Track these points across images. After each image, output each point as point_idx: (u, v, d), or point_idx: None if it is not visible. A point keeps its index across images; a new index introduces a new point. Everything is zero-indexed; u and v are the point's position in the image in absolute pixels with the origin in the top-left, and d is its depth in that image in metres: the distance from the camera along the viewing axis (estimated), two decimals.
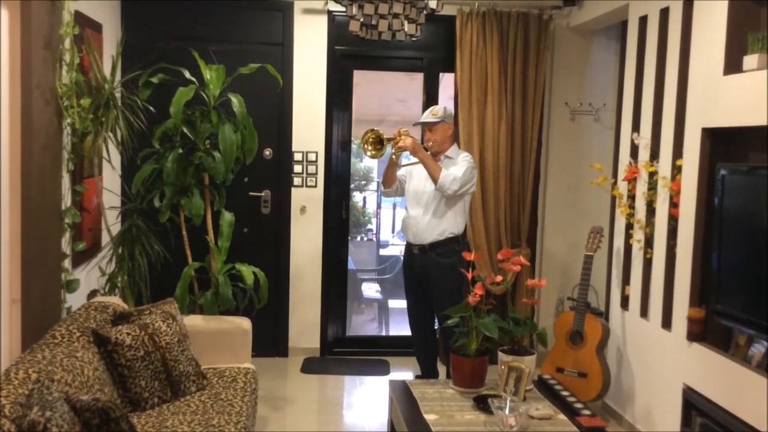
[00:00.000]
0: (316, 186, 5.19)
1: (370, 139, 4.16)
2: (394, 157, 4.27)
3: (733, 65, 3.18)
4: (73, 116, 3.40)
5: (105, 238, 4.09)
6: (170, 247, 4.17)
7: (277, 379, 4.83)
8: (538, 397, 3.30)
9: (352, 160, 5.85)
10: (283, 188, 5.18)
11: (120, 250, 3.90)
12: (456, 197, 4.18)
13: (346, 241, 5.53)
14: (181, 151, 4.05)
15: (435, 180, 4.11)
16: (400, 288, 4.64)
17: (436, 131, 4.28)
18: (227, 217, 4.20)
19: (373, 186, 8.42)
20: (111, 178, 4.29)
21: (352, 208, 7.06)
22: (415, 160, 4.22)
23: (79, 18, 3.69)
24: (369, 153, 4.17)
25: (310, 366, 5.12)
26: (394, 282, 6.84)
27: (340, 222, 5.40)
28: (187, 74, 4.17)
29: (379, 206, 8.46)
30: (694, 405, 3.37)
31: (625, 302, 4.22)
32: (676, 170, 3.65)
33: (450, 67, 5.18)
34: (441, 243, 4.23)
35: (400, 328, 6.11)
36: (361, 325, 6.70)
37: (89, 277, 3.93)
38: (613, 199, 4.47)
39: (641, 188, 4.03)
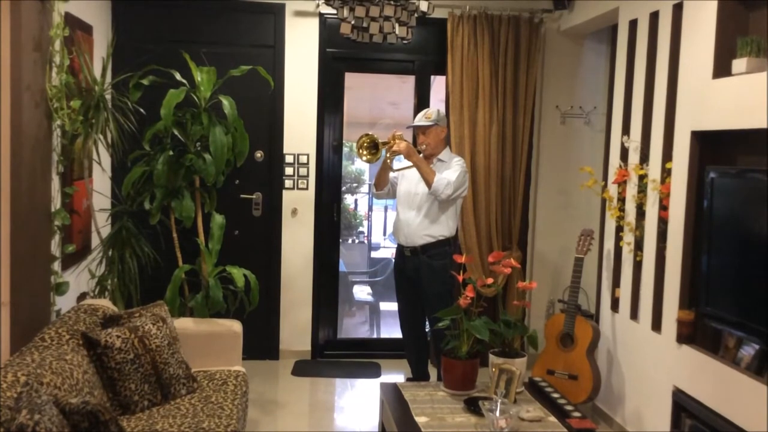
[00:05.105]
0: (307, 188, 5.19)
1: (365, 144, 4.16)
2: (388, 161, 4.27)
3: (722, 69, 3.21)
4: (63, 118, 3.39)
5: (95, 241, 4.07)
6: (160, 250, 4.16)
7: (267, 382, 4.82)
8: (528, 400, 3.30)
9: (344, 162, 5.85)
10: (274, 190, 5.17)
11: (110, 253, 3.88)
12: (449, 200, 4.18)
13: (337, 244, 5.52)
14: (171, 153, 4.03)
15: (429, 184, 4.11)
16: (392, 290, 4.64)
17: (429, 134, 4.29)
18: (218, 219, 4.19)
19: (365, 188, 8.42)
20: (101, 180, 4.27)
21: (344, 211, 7.06)
22: (409, 163, 4.22)
23: (69, 19, 3.68)
24: (364, 158, 4.17)
25: (301, 369, 5.11)
26: (385, 284, 6.84)
27: (331, 224, 5.40)
28: (178, 76, 4.16)
29: (370, 209, 8.46)
30: (683, 407, 3.38)
31: (615, 305, 4.24)
32: (666, 173, 3.67)
33: (441, 70, 5.19)
34: (432, 245, 4.23)
35: (392, 330, 6.11)
36: (353, 327, 6.69)
37: (79, 279, 3.91)
38: (604, 201, 4.49)
39: (631, 191, 4.05)
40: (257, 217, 5.19)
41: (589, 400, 4.24)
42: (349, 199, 8.20)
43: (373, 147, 4.16)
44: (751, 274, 2.94)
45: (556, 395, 3.35)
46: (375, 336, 6.44)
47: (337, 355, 5.41)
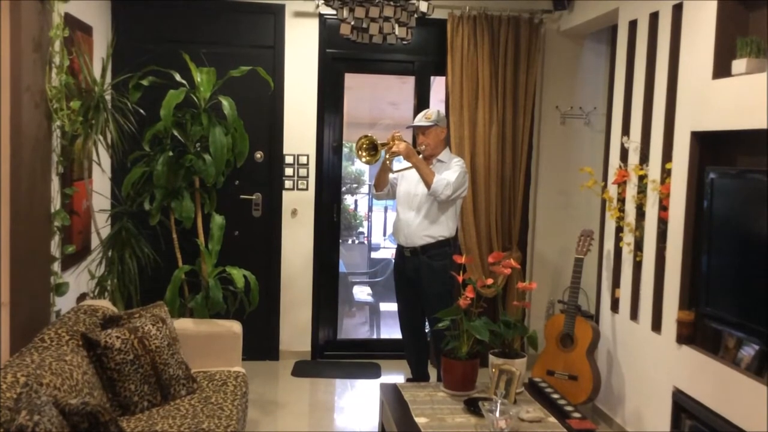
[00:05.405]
0: (307, 189, 5.19)
1: (364, 145, 4.15)
2: (387, 162, 4.26)
3: (721, 69, 3.20)
4: (63, 119, 3.39)
5: (95, 241, 4.07)
6: (160, 251, 4.16)
7: (267, 383, 4.82)
8: (528, 400, 3.30)
9: (344, 163, 5.85)
10: (274, 191, 5.17)
11: (110, 253, 3.88)
12: (448, 201, 4.18)
13: (337, 244, 5.52)
14: (171, 153, 4.04)
15: (428, 185, 4.11)
16: (392, 291, 4.64)
17: (429, 135, 4.28)
18: (218, 220, 4.19)
19: (365, 189, 8.42)
20: (101, 181, 4.27)
21: (344, 211, 7.06)
22: (408, 164, 4.22)
23: (69, 20, 3.68)
24: (363, 159, 4.16)
25: (301, 369, 5.11)
26: (385, 285, 6.84)
27: (331, 225, 5.40)
28: (178, 77, 4.16)
29: (370, 209, 8.46)
30: (683, 407, 3.38)
31: (615, 305, 4.23)
32: (666, 173, 3.67)
33: (441, 71, 5.19)
34: (432, 246, 4.23)
35: (392, 331, 6.11)
36: (353, 328, 6.69)
37: (79, 280, 3.91)
38: (604, 202, 4.48)
39: (631, 191, 4.05)
40: (257, 217, 5.19)
41: (589, 401, 4.24)
42: (349, 200, 8.20)
43: (372, 148, 4.15)
44: (751, 275, 2.94)
45: (555, 396, 3.35)
46: (375, 336, 6.44)
47: (337, 355, 5.41)
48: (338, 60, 5.25)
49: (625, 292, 4.09)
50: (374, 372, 5.14)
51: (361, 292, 6.98)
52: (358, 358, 5.42)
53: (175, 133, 4.09)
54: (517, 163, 5.11)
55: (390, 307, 6.25)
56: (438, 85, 5.47)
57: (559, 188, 5.33)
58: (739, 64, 3.06)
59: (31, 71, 3.12)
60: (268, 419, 4.22)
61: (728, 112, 3.11)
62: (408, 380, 4.64)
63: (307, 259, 5.23)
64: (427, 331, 4.58)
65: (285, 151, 5.15)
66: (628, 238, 4.06)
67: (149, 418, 2.95)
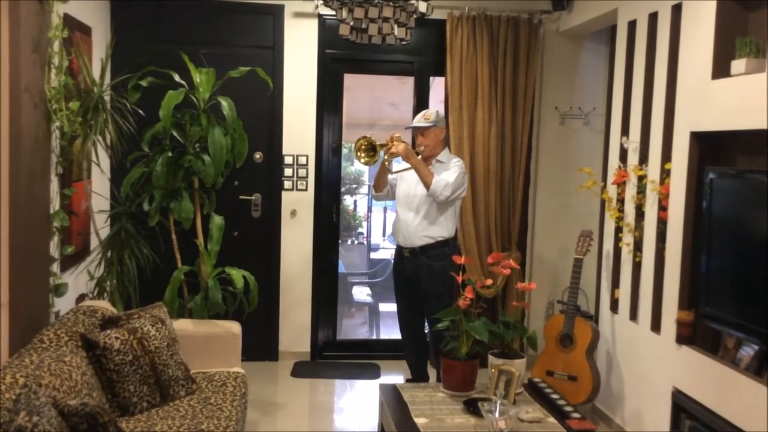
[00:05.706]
0: (306, 189, 5.19)
1: (363, 146, 4.15)
2: (386, 163, 4.26)
3: (721, 69, 3.21)
4: (62, 119, 3.38)
5: (94, 242, 4.07)
6: (160, 251, 4.16)
7: (267, 383, 4.81)
8: (528, 401, 3.30)
9: (343, 163, 5.85)
10: (273, 192, 5.17)
11: (109, 254, 3.88)
12: (447, 202, 4.18)
13: (336, 245, 5.52)
14: (170, 154, 4.04)
15: (427, 186, 4.11)
16: (391, 291, 4.64)
17: (428, 135, 4.28)
18: (217, 220, 4.19)
19: (364, 189, 8.41)
20: (100, 182, 4.27)
21: (343, 212, 7.06)
22: (407, 165, 4.22)
23: (68, 21, 3.68)
24: (362, 160, 4.17)
25: (300, 370, 5.10)
26: (384, 285, 6.84)
27: (330, 225, 5.39)
28: (177, 77, 4.16)
29: (369, 210, 8.45)
30: (683, 407, 3.38)
31: (614, 305, 4.23)
32: (665, 174, 3.67)
33: (440, 71, 5.19)
34: (432, 246, 4.23)
35: (391, 331, 6.10)
36: (352, 328, 6.69)
37: (78, 281, 3.90)
38: (603, 202, 4.48)
39: (630, 192, 4.05)
40: (256, 218, 5.19)
41: (588, 401, 4.24)
42: (348, 200, 8.20)
43: (370, 149, 4.16)
44: (751, 275, 2.94)
45: (555, 396, 3.35)
46: (374, 337, 6.44)
47: (336, 356, 5.41)
48: (337, 60, 5.25)
49: (624, 293, 4.09)
50: (374, 372, 5.14)
51: (361, 293, 6.98)
52: (358, 358, 5.42)
53: (174, 133, 4.09)
54: (517, 163, 5.11)
55: (389, 307, 6.25)
56: (437, 86, 5.47)
57: (558, 189, 5.33)
58: (738, 65, 3.06)
59: (30, 72, 3.12)
60: (267, 420, 4.22)
61: (727, 113, 3.11)
62: (407, 381, 4.64)
63: (306, 260, 5.23)
64: (426, 331, 4.58)
65: (284, 152, 5.14)
66: (628, 239, 4.06)
67: (148, 419, 2.95)
